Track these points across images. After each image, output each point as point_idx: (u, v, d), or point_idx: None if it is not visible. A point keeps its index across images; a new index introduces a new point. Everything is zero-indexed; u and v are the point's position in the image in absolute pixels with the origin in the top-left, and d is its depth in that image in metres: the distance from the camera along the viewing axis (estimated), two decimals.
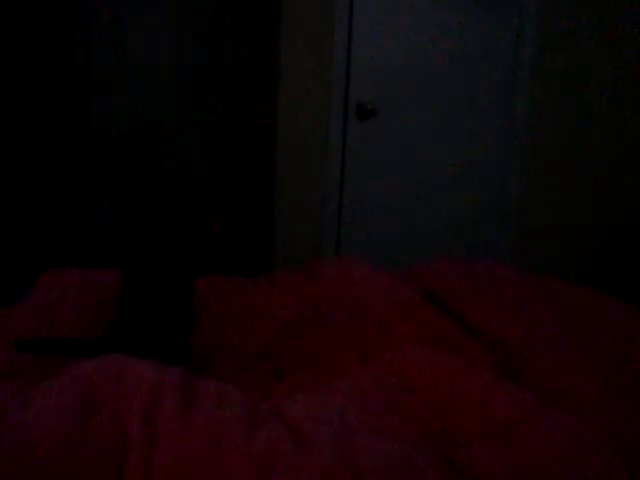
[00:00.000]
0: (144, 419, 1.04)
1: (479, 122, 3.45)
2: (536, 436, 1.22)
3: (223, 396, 1.11)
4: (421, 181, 3.48)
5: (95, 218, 3.47)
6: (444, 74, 3.39)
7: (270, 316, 1.91)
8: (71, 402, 1.05)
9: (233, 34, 3.30)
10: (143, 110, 3.38)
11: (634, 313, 1.90)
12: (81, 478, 0.96)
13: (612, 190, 3.48)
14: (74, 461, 0.98)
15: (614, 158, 3.45)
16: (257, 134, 3.35)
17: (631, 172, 3.45)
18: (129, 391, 1.09)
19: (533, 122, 3.42)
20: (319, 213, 3.45)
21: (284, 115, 3.31)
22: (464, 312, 1.88)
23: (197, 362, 1.63)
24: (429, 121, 3.43)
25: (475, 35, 3.35)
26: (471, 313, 1.86)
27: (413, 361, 1.52)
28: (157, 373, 1.13)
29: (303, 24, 3.24)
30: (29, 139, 3.23)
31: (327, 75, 3.29)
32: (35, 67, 3.16)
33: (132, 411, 1.06)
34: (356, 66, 3.32)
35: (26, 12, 3.09)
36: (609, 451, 1.16)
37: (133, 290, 1.57)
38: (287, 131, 3.33)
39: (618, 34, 3.32)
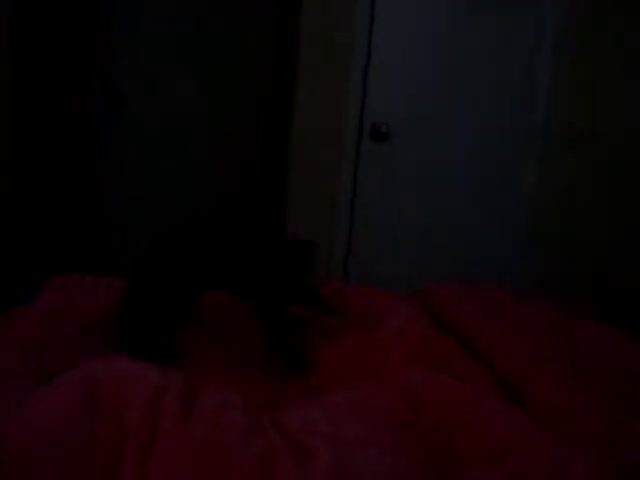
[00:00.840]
0: (144, 422, 1.04)
1: (496, 149, 3.46)
2: (535, 462, 1.21)
3: (224, 403, 1.11)
4: (432, 204, 3.48)
5: (109, 225, 3.49)
6: (460, 99, 3.40)
7: None
8: (72, 401, 1.05)
9: (251, 46, 3.34)
10: (161, 117, 3.42)
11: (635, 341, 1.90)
12: (76, 476, 0.96)
13: (629, 196, 3.46)
14: (71, 458, 0.98)
15: (630, 159, 3.43)
16: (271, 149, 3.37)
17: None
18: (131, 393, 1.08)
19: (550, 141, 3.41)
20: (330, 232, 3.45)
21: (299, 132, 3.33)
22: (470, 336, 1.87)
23: (199, 367, 1.62)
24: (444, 146, 3.44)
25: (492, 60, 3.37)
26: (476, 337, 1.85)
27: (418, 381, 1.52)
28: (160, 377, 1.13)
29: (321, 43, 3.27)
30: (48, 145, 3.27)
31: (343, 96, 3.31)
32: (55, 72, 3.20)
33: (132, 413, 1.05)
34: (372, 88, 3.34)
35: (49, 16, 3.14)
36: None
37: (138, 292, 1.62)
38: (301, 149, 3.35)
39: (634, 39, 3.33)
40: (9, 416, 1.06)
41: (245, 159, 3.45)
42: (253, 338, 1.78)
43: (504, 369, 1.69)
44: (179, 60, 3.39)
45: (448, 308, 2.03)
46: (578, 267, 3.50)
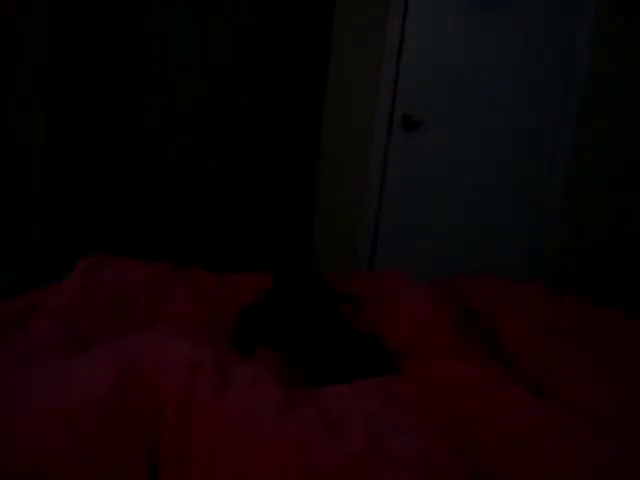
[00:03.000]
0: (181, 396, 1.06)
1: (526, 140, 3.45)
2: (561, 447, 1.21)
3: (258, 379, 1.13)
4: (460, 195, 3.49)
5: (137, 213, 3.52)
6: (492, 90, 3.39)
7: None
8: (110, 374, 1.07)
9: (284, 38, 3.34)
10: (190, 109, 3.44)
11: None
12: (115, 448, 0.98)
13: None
14: (109, 431, 1.00)
15: None
16: (302, 137, 3.37)
17: None
18: (168, 368, 1.11)
19: (580, 141, 3.42)
20: (357, 220, 3.45)
21: (330, 119, 3.32)
22: (496, 325, 1.87)
23: None
24: (474, 136, 3.43)
25: (524, 52, 3.35)
26: (502, 326, 1.85)
27: (442, 370, 1.52)
28: (196, 352, 1.15)
29: (354, 32, 3.26)
30: (84, 134, 3.31)
31: (375, 84, 3.31)
32: (89, 62, 3.23)
33: (170, 387, 1.08)
34: (404, 77, 3.32)
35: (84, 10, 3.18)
36: (633, 465, 1.15)
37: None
38: (332, 136, 3.33)
39: None
40: (48, 384, 1.09)
41: (275, 147, 3.46)
42: None
43: (530, 358, 1.68)
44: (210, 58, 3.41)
45: (476, 298, 2.03)
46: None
